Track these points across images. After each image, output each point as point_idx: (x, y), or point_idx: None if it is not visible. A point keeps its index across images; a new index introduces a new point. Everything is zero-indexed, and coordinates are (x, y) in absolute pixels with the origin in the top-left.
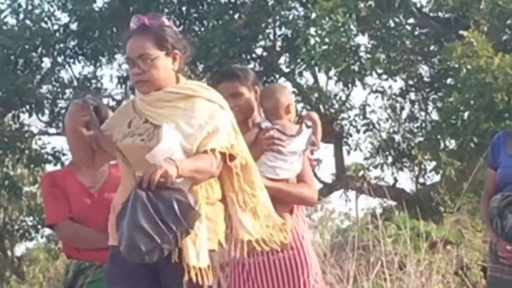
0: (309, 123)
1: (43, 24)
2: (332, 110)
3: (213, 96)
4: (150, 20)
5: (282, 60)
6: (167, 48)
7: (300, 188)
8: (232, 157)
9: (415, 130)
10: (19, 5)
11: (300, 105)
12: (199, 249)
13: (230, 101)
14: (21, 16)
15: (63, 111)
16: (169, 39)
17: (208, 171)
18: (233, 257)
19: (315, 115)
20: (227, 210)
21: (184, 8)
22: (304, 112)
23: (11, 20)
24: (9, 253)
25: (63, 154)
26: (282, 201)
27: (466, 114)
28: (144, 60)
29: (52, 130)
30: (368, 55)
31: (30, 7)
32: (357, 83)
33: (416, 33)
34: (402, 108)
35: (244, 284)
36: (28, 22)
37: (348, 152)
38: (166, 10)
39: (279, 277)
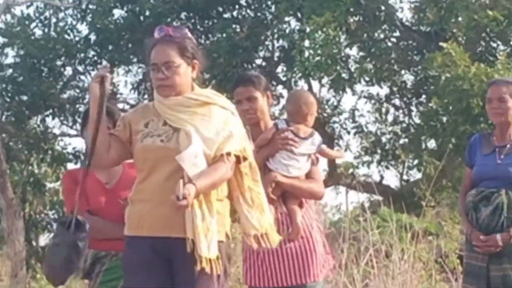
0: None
1: (66, 36)
2: (325, 114)
3: (225, 104)
4: (174, 31)
5: (279, 69)
6: (188, 57)
7: (310, 184)
8: (244, 159)
9: (399, 132)
10: (45, 18)
11: None
12: (210, 241)
13: (245, 104)
14: (47, 28)
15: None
16: (190, 49)
17: (223, 179)
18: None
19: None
20: (232, 205)
21: (191, 23)
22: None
23: (37, 32)
24: (34, 243)
25: (83, 154)
26: (293, 195)
27: (445, 118)
28: (169, 67)
29: (73, 132)
30: (357, 65)
31: (54, 20)
32: (347, 90)
33: (400, 45)
34: (387, 112)
35: (259, 269)
36: (52, 33)
37: None
38: (175, 24)
39: (290, 263)
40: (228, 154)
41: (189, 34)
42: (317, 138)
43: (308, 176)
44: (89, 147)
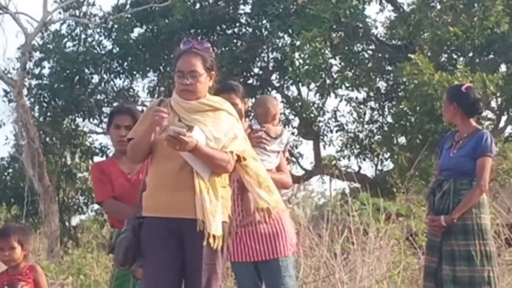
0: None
1: (93, 50)
2: (312, 115)
3: (232, 111)
4: (198, 44)
5: (273, 77)
6: (208, 69)
7: (281, 175)
8: (244, 159)
9: (375, 130)
10: (76, 35)
11: (287, 111)
12: (217, 221)
13: None
14: (77, 43)
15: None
16: (210, 62)
17: (221, 164)
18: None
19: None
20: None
21: (199, 38)
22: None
23: (69, 46)
24: (66, 223)
25: (108, 149)
26: None
27: (413, 118)
28: (193, 76)
29: (99, 130)
30: (339, 73)
31: (84, 37)
32: (331, 94)
33: (375, 56)
34: (364, 113)
35: (238, 247)
36: (82, 48)
37: (324, 147)
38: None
39: (264, 241)
40: (231, 152)
41: (210, 49)
42: (284, 137)
43: (278, 169)
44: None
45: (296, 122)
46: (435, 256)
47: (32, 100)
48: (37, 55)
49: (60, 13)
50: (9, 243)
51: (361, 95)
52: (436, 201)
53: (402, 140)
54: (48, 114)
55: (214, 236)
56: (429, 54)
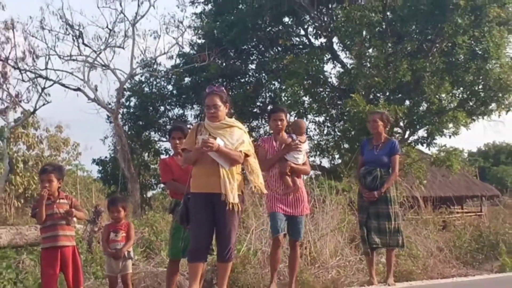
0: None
1: (160, 91)
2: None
3: (242, 126)
4: (217, 88)
5: (269, 108)
6: (224, 102)
7: (305, 167)
8: (247, 155)
9: (330, 140)
10: (150, 82)
11: None
12: (234, 194)
13: (278, 122)
14: (150, 87)
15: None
16: (225, 98)
17: (236, 158)
18: (271, 192)
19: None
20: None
21: (223, 84)
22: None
23: (146, 89)
24: (144, 195)
25: (169, 150)
26: (296, 172)
27: (353, 133)
28: (216, 107)
29: (164, 139)
30: (308, 105)
31: (154, 83)
32: (304, 118)
33: (330, 95)
34: (323, 130)
35: (277, 205)
36: (153, 90)
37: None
38: (216, 84)
39: (292, 204)
40: (241, 151)
41: (224, 90)
42: (307, 142)
43: (304, 163)
44: (190, 161)
45: None
46: (364, 214)
47: (124, 121)
48: (127, 93)
49: (140, 69)
50: (117, 208)
51: (322, 118)
52: (369, 182)
53: (346, 146)
54: (133, 130)
55: (232, 204)
56: (363, 93)
